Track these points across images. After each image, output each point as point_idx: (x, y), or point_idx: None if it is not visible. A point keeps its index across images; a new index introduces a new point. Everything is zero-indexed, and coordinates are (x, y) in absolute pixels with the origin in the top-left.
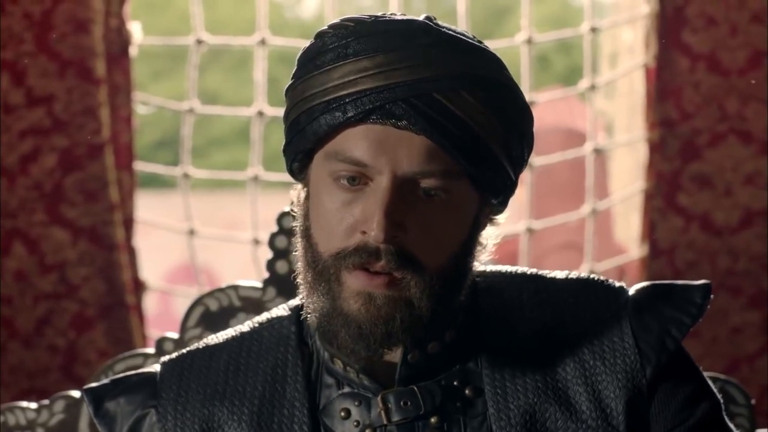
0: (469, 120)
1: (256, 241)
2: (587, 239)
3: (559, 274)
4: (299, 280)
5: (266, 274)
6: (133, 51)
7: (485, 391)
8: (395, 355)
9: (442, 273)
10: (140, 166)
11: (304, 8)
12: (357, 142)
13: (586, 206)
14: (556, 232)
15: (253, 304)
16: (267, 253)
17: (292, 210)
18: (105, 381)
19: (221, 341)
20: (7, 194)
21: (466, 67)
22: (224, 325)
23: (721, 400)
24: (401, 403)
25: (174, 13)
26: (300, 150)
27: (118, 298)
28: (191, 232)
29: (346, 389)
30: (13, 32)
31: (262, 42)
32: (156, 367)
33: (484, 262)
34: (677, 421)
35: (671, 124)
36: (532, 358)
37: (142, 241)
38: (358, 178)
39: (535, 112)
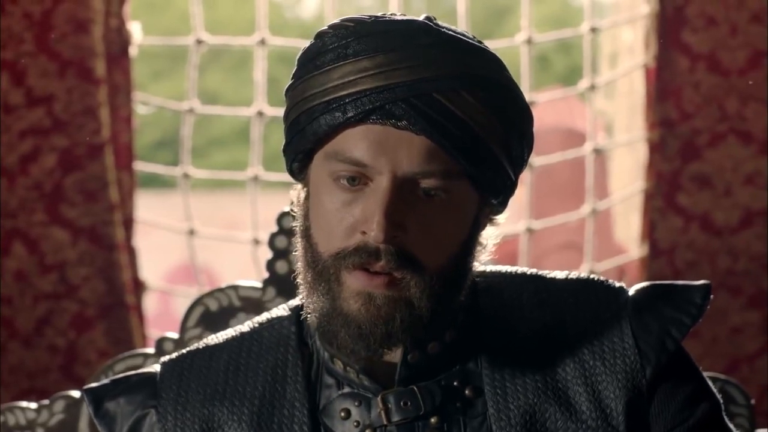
0: (469, 120)
1: (256, 241)
2: (587, 239)
3: (559, 275)
4: (299, 280)
5: (266, 274)
6: (133, 51)
7: (485, 391)
8: (395, 356)
9: (442, 273)
10: (140, 166)
11: (304, 8)
12: (357, 142)
13: (585, 206)
14: (555, 232)
15: (252, 304)
16: (267, 253)
17: (291, 210)
18: (105, 381)
19: (221, 341)
20: (7, 194)
21: (466, 67)
22: (224, 325)
23: (721, 401)
24: (401, 403)
25: (174, 13)
26: (300, 150)
27: (118, 298)
28: (191, 232)
29: (346, 389)
30: (13, 32)
31: (262, 42)
32: (156, 367)
33: (484, 262)
34: (677, 421)
35: (671, 124)
36: (532, 358)
37: (142, 241)
38: (358, 179)
39: (535, 112)
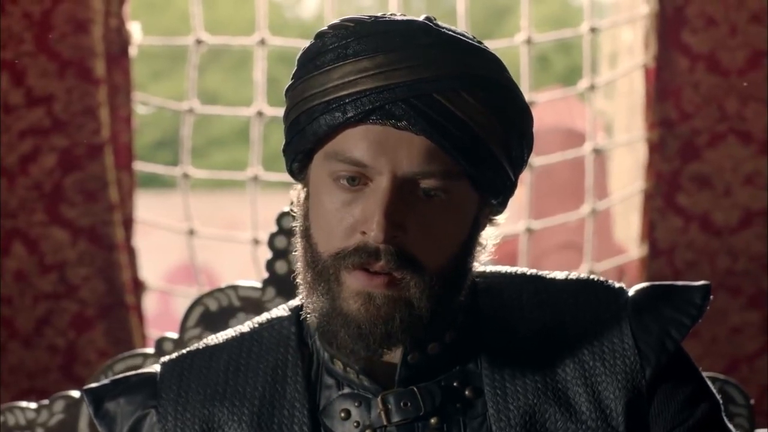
0: (469, 120)
1: (256, 241)
2: (587, 239)
3: (559, 275)
4: (299, 280)
5: (266, 274)
6: (132, 51)
7: (485, 391)
8: (395, 356)
9: (442, 273)
10: (140, 166)
11: (304, 8)
12: (357, 142)
13: (585, 206)
14: (555, 232)
15: (252, 304)
16: (266, 253)
17: (291, 210)
18: (105, 381)
19: (221, 341)
20: (7, 194)
21: (465, 67)
22: (224, 325)
23: (721, 401)
24: (401, 403)
25: (174, 13)
26: (300, 150)
27: (118, 298)
28: (191, 232)
29: (346, 390)
30: (12, 32)
31: (262, 42)
32: (156, 368)
33: (483, 263)
34: (677, 421)
35: (671, 124)
36: (531, 358)
37: (142, 241)
38: (357, 179)
39: (535, 112)
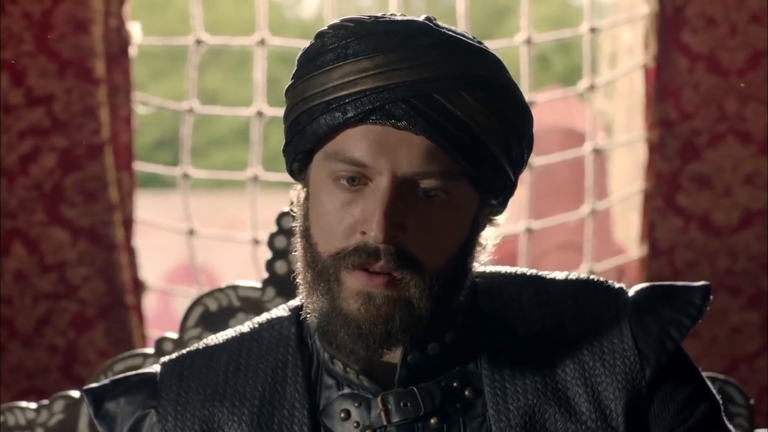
0: (469, 120)
1: (256, 241)
2: (586, 239)
3: (559, 275)
4: (299, 280)
5: (265, 275)
6: (132, 51)
7: (485, 392)
8: (395, 356)
9: (442, 273)
10: (140, 166)
11: (304, 8)
12: (357, 142)
13: (585, 206)
14: (555, 232)
15: (252, 304)
16: (266, 254)
17: (291, 210)
18: (105, 381)
19: (221, 342)
20: (7, 194)
21: (465, 67)
22: (223, 325)
23: (720, 401)
24: (401, 404)
25: (173, 13)
26: (300, 150)
27: (118, 298)
28: (191, 232)
29: (346, 390)
30: (12, 32)
31: (262, 42)
32: (156, 368)
33: (483, 263)
34: (676, 422)
35: (670, 124)
36: (531, 359)
37: (142, 241)
38: (357, 179)
39: (535, 113)
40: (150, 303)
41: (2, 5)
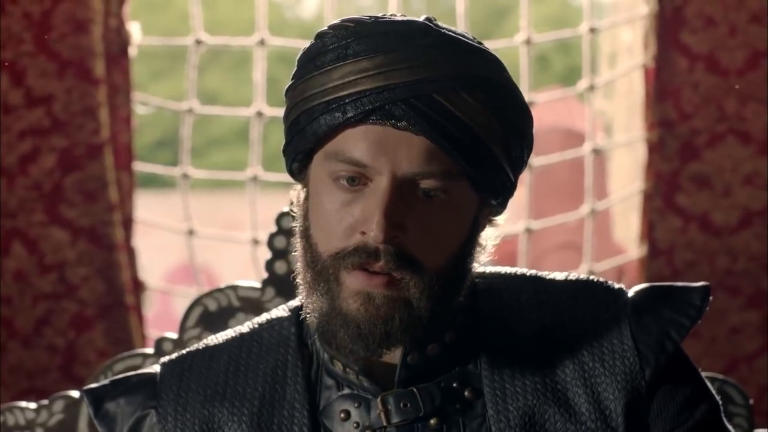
0: (469, 121)
1: (256, 242)
2: (586, 239)
3: (559, 276)
4: (298, 280)
5: (265, 275)
6: (132, 51)
7: (484, 392)
8: (395, 357)
9: (442, 274)
10: (139, 166)
11: (304, 8)
12: (356, 142)
13: (585, 206)
14: (555, 232)
15: (251, 304)
16: (266, 254)
17: (291, 210)
18: (105, 382)
19: (221, 342)
20: (7, 194)
21: (465, 68)
22: (223, 326)
23: (720, 402)
24: (401, 404)
25: (173, 14)
26: (300, 150)
27: (118, 298)
28: (190, 233)
29: (346, 391)
30: (12, 32)
31: (262, 42)
32: (156, 368)
33: (483, 263)
34: (676, 422)
35: (670, 125)
36: (531, 359)
37: (142, 241)
38: (357, 179)
39: (534, 113)
40: (150, 303)
41: (2, 5)
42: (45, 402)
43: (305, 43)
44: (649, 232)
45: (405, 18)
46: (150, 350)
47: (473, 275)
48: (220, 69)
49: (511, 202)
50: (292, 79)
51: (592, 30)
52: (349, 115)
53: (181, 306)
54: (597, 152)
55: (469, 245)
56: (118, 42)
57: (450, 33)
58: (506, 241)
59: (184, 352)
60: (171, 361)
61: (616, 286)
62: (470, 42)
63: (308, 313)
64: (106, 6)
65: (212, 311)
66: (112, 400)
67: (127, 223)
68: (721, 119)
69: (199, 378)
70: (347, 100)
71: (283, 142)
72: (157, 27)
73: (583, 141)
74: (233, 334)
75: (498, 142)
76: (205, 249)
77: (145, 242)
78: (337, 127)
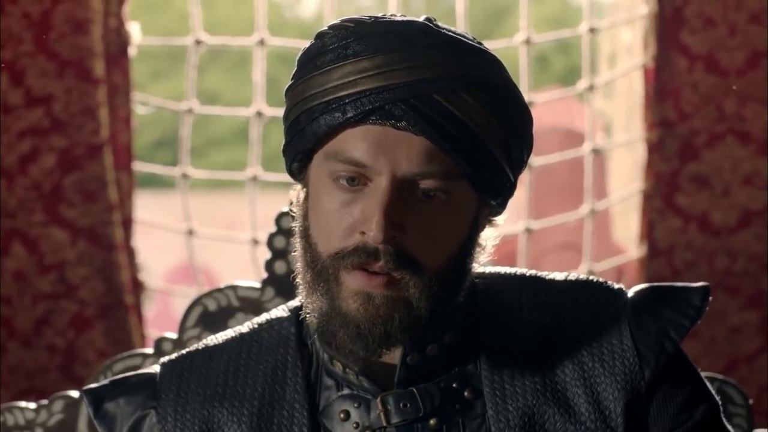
0: (469, 121)
1: (255, 242)
2: (586, 239)
3: (558, 276)
4: (298, 280)
5: (265, 275)
6: (132, 51)
7: (484, 393)
8: (394, 357)
9: (441, 274)
10: (139, 166)
11: (303, 8)
12: (356, 142)
13: (584, 206)
14: (554, 232)
15: (251, 304)
16: (266, 254)
17: (291, 210)
18: (104, 382)
19: (221, 342)
20: (6, 194)
21: (465, 68)
22: (223, 326)
23: (720, 402)
24: (400, 404)
25: (173, 14)
26: (300, 150)
27: (117, 298)
28: (190, 233)
29: (346, 391)
30: (12, 32)
31: (261, 42)
32: (155, 368)
33: (483, 264)
34: (676, 423)
35: (670, 125)
36: (531, 359)
37: (141, 241)
38: (357, 179)
39: (534, 113)
40: (149, 303)
41: (2, 5)
42: (45, 402)
43: (305, 43)
44: (649, 232)
45: (405, 18)
46: (149, 350)
47: (473, 275)
48: (220, 69)
49: (511, 202)
50: (291, 79)
51: (592, 30)
52: (349, 115)
53: (180, 306)
54: (596, 152)
55: (468, 245)
56: (118, 42)
57: (450, 33)
58: (506, 241)
59: (183, 352)
60: (171, 361)
61: (616, 286)
62: (470, 42)
63: (308, 313)
64: (105, 6)
65: (212, 311)
66: (111, 400)
67: (127, 223)
68: (720, 119)
69: (198, 378)
70: (347, 100)
71: (283, 142)
72: (157, 27)
73: (582, 141)
74: (233, 335)
75: (498, 143)
76: (205, 249)
77: (145, 242)
78: (337, 127)
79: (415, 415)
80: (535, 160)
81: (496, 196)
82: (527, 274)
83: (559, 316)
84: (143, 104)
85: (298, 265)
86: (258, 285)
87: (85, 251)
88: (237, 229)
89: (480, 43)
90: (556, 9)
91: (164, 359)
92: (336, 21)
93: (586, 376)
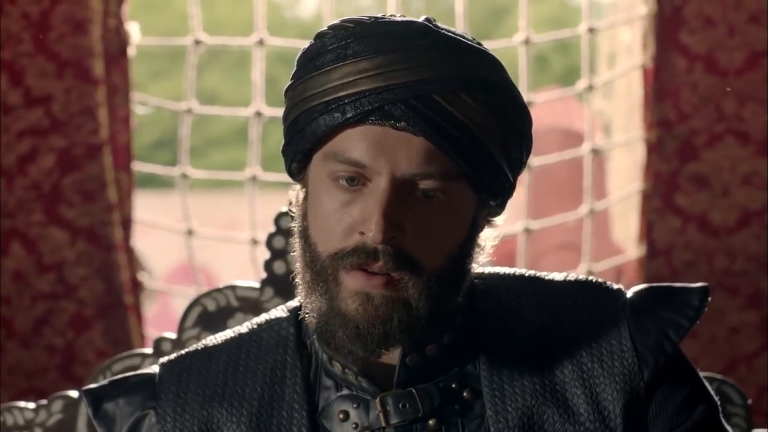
0: (468, 122)
1: (254, 242)
2: (585, 239)
3: (558, 276)
4: (297, 280)
5: (264, 275)
6: (131, 51)
7: (483, 393)
8: (393, 358)
9: (440, 274)
10: (138, 167)
11: (303, 8)
12: (356, 142)
13: (583, 206)
14: (553, 232)
15: (250, 304)
16: (265, 254)
17: (290, 210)
18: (104, 382)
19: (220, 342)
20: (6, 194)
21: (465, 68)
22: (222, 326)
23: (719, 402)
24: (400, 405)
25: (172, 14)
26: (299, 150)
27: (116, 298)
28: (189, 233)
29: (345, 391)
30: (11, 32)
31: (261, 42)
32: (155, 368)
33: (482, 264)
34: (675, 423)
35: (669, 125)
36: (530, 360)
37: (141, 241)
38: (356, 179)
39: (533, 113)
40: (148, 303)
41: (1, 5)
42: (44, 402)
43: (304, 43)
44: (648, 232)
45: (404, 18)
46: (149, 350)
47: (472, 276)
48: (219, 69)
49: (510, 202)
50: (291, 80)
51: (591, 30)
52: (349, 115)
53: (180, 306)
54: (596, 152)
55: (467, 246)
56: (117, 42)
57: (449, 33)
58: (505, 242)
59: (183, 352)
60: (170, 361)
61: (615, 286)
62: (469, 42)
63: (307, 314)
64: (104, 6)
65: (211, 311)
66: (111, 400)
67: (126, 223)
68: (719, 119)
69: (198, 378)
70: (346, 101)
71: (283, 143)
72: (156, 27)
73: (581, 141)
74: (232, 335)
75: (497, 143)
76: (204, 249)
77: (145, 242)
78: (337, 127)
79: (414, 415)
80: (535, 160)
81: (496, 196)
82: (526, 275)
83: (558, 316)
84: (142, 104)
85: (298, 266)
86: (257, 285)
87: (84, 251)
88: (236, 229)
89: (479, 44)
90: (555, 9)
91: (163, 359)
92: (335, 21)
93: (585, 376)
